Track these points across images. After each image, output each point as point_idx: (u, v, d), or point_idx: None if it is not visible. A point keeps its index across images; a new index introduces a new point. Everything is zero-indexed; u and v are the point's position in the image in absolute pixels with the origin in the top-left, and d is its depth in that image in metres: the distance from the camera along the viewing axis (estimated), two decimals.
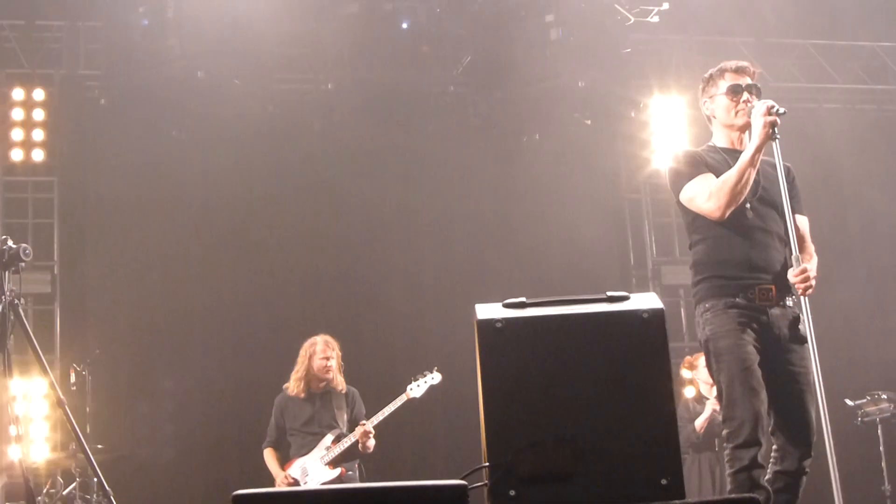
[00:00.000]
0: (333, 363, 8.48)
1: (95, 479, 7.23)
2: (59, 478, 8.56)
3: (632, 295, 4.06)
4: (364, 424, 8.25)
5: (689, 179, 5.45)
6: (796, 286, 5.19)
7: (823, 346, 5.11)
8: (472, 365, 3.90)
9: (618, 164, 11.06)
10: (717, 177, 5.34)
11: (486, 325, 3.87)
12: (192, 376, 10.01)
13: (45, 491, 8.44)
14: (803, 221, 5.44)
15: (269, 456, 8.49)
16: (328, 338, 8.55)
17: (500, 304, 3.96)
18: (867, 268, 9.80)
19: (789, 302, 5.32)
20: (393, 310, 10.23)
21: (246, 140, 10.30)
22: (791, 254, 5.24)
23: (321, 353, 8.49)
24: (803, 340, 5.18)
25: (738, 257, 5.36)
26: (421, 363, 8.62)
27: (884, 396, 9.28)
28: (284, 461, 8.41)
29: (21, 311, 6.17)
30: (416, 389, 8.47)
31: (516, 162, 10.60)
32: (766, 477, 5.25)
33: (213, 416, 9.90)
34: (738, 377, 5.18)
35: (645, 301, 4.04)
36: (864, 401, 9.30)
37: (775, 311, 5.30)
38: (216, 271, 10.29)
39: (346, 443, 8.25)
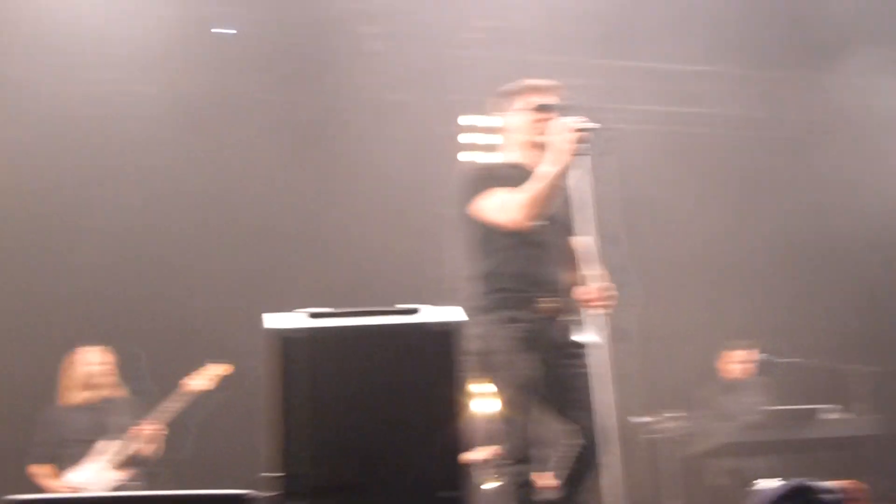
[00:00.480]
0: (104, 370, 8.32)
1: None
2: None
3: (430, 307, 4.11)
4: (145, 427, 8.06)
5: (484, 192, 5.49)
6: (594, 302, 5.27)
7: (614, 364, 5.19)
8: (263, 373, 3.88)
9: (432, 180, 11.08)
10: (513, 192, 5.37)
11: (277, 335, 3.86)
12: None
13: None
14: (590, 242, 5.43)
15: (40, 471, 8.11)
16: (97, 347, 8.40)
17: (291, 314, 3.96)
18: (664, 287, 10.03)
19: (575, 316, 5.37)
20: (184, 316, 9.93)
21: (55, 141, 9.99)
22: (580, 270, 5.33)
23: (88, 360, 8.34)
24: (589, 351, 5.22)
25: (524, 271, 5.41)
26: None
27: (673, 415, 9.51)
28: (59, 474, 8.07)
29: None
30: (194, 383, 8.28)
31: (330, 173, 10.54)
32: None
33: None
34: (511, 395, 5.22)
35: (441, 314, 4.09)
36: (653, 419, 9.51)
37: (560, 323, 5.37)
38: (18, 270, 9.92)
39: (124, 448, 8.04)
